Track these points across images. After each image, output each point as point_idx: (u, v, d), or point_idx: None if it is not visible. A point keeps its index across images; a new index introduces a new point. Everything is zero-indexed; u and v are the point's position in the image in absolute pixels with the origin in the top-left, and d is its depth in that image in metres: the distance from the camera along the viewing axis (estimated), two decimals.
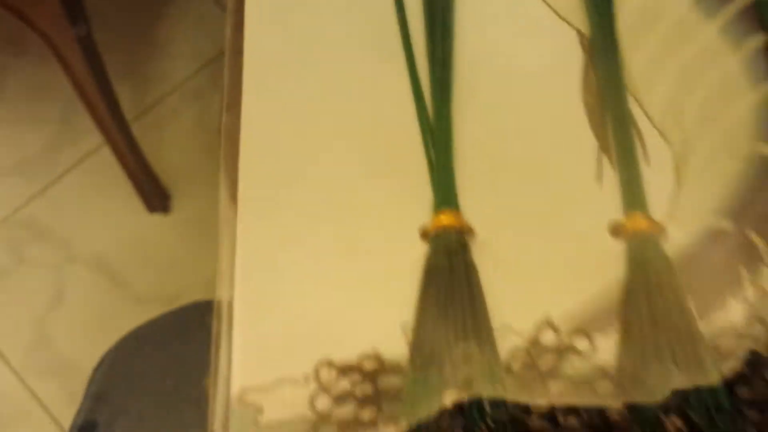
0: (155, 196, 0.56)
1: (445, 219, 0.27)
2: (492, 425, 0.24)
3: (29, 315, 0.45)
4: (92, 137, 0.44)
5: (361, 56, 0.30)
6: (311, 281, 0.27)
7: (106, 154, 0.46)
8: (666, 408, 0.23)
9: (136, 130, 0.49)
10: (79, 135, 0.48)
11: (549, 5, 0.30)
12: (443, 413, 0.24)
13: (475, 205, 0.27)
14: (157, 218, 0.48)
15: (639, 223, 0.26)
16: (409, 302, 0.26)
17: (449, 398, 0.24)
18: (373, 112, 0.29)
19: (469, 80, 0.29)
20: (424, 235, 0.27)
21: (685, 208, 0.27)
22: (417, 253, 0.27)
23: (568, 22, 0.30)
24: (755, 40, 0.29)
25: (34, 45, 0.51)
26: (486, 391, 0.24)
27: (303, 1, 0.31)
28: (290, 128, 0.29)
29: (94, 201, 0.45)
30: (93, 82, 0.50)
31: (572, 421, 0.24)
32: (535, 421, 0.24)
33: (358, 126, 0.29)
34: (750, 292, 0.26)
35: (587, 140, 0.28)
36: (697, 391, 0.24)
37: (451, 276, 0.26)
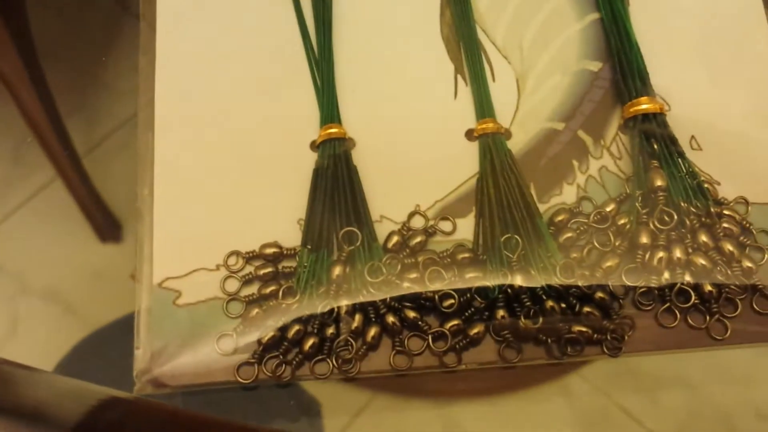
0: (107, 226, 0.58)
1: (330, 131, 0.32)
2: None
3: None
4: (44, 172, 0.45)
5: (256, 5, 0.35)
6: (221, 188, 0.31)
7: (58, 188, 0.46)
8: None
9: (87, 163, 0.49)
10: (31, 170, 0.49)
11: None
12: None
13: (355, 119, 0.32)
14: (109, 247, 0.48)
15: (488, 127, 0.32)
16: (303, 202, 0.31)
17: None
18: (269, 51, 0.34)
19: (348, 19, 0.34)
20: (313, 145, 0.32)
21: (526, 115, 0.33)
22: (309, 161, 0.32)
23: None
24: None
25: None
26: (365, 266, 0.29)
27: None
28: (203, 74, 0.34)
29: (47, 233, 0.45)
30: (45, 119, 0.52)
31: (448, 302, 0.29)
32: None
33: (258, 66, 0.34)
34: (579, 177, 0.32)
35: (446, 65, 0.33)
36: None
37: (335, 177, 0.31)
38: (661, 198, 0.30)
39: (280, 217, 0.31)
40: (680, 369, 0.31)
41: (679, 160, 0.31)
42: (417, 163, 0.32)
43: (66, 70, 0.44)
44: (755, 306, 0.29)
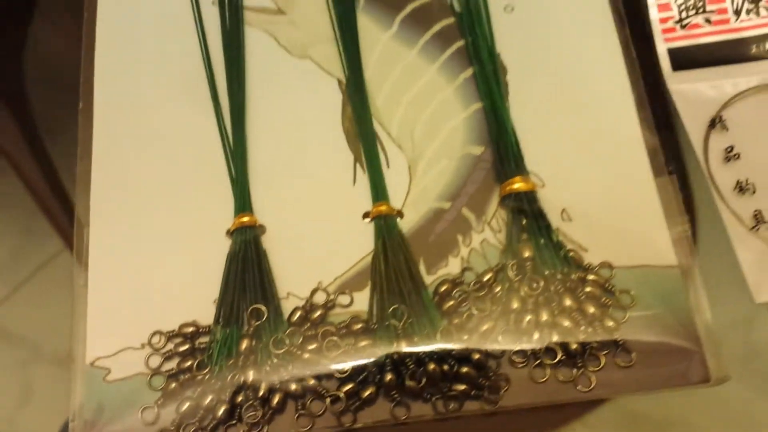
0: None
1: (242, 220, 0.36)
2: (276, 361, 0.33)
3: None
4: (54, 242, 0.47)
5: (179, 102, 0.39)
6: (147, 275, 0.36)
7: (67, 257, 0.48)
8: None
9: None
10: (42, 240, 0.47)
11: (317, 63, 0.40)
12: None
13: (265, 206, 0.37)
14: None
15: (382, 209, 0.36)
16: (219, 283, 0.35)
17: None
18: (191, 146, 0.38)
19: (261, 114, 0.39)
20: (228, 233, 0.36)
21: (416, 196, 0.37)
22: (224, 246, 0.36)
23: (329, 74, 0.40)
24: (464, 74, 0.39)
25: None
26: (270, 339, 0.33)
27: (138, 63, 0.41)
28: (134, 169, 0.38)
29: (58, 300, 0.46)
30: (49, 192, 0.56)
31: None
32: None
33: (180, 160, 0.38)
34: (463, 250, 0.36)
35: (346, 154, 0.38)
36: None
37: (245, 260, 0.35)
38: (529, 267, 0.34)
39: (198, 298, 0.35)
40: (683, 413, 0.34)
41: (546, 232, 0.35)
42: (320, 243, 0.36)
43: (67, 143, 0.44)
44: (617, 360, 0.33)
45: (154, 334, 0.34)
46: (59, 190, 0.46)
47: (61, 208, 0.52)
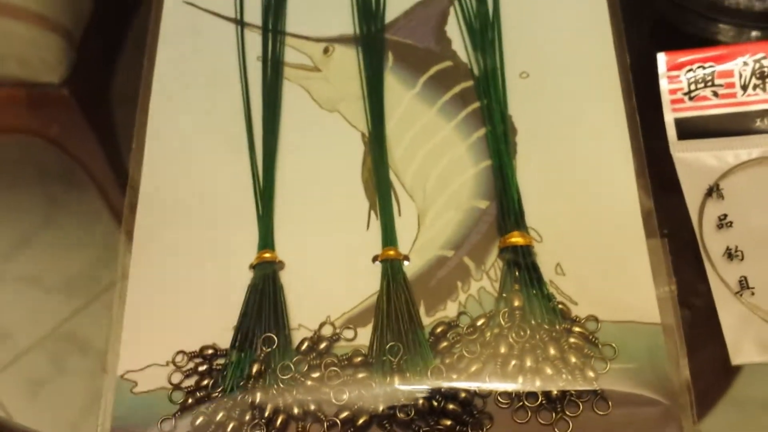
0: None
1: (264, 255, 0.40)
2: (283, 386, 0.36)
3: (65, 420, 0.50)
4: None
5: (221, 146, 0.44)
6: (175, 296, 0.40)
7: None
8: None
9: None
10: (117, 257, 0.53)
11: (344, 117, 0.44)
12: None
13: (287, 244, 0.41)
14: None
15: (390, 253, 0.39)
16: (238, 311, 0.39)
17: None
18: (228, 184, 0.43)
19: (289, 160, 0.43)
20: (251, 266, 0.40)
21: (423, 244, 0.40)
22: (246, 278, 0.40)
23: (355, 127, 0.44)
24: (477, 133, 0.43)
25: (79, 181, 0.57)
26: (279, 364, 0.37)
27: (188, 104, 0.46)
28: (179, 205, 0.42)
29: None
30: (130, 213, 0.53)
31: None
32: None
33: (214, 199, 0.42)
34: (462, 296, 0.39)
35: (362, 201, 0.42)
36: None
37: (263, 293, 0.39)
38: (518, 316, 0.37)
39: (220, 324, 0.39)
40: None
41: (538, 284, 0.38)
42: (332, 281, 0.40)
43: None
44: (595, 408, 0.36)
45: (178, 353, 0.38)
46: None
47: None
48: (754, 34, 0.48)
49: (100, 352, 0.43)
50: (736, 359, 0.37)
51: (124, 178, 0.50)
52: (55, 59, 0.60)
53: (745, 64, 0.44)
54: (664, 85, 0.45)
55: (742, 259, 0.39)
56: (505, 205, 0.40)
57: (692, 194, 0.42)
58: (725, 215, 0.41)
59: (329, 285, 0.40)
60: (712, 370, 0.39)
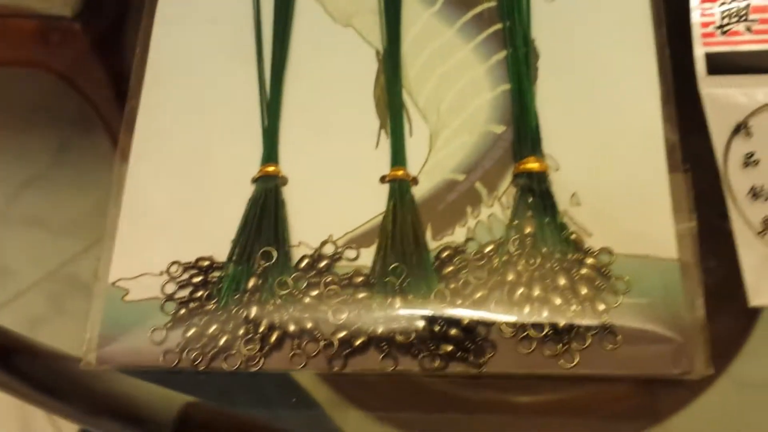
0: None
1: (267, 170, 0.38)
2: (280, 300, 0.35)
3: None
4: None
5: (227, 56, 0.42)
6: (174, 211, 0.38)
7: None
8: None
9: None
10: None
11: (358, 32, 0.42)
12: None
13: (291, 158, 0.39)
14: None
15: (398, 174, 0.38)
16: (237, 224, 0.38)
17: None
18: (231, 99, 0.41)
19: (299, 72, 0.41)
20: (253, 180, 0.38)
21: (433, 166, 0.38)
22: (248, 191, 0.38)
23: (369, 43, 0.42)
24: (497, 56, 0.41)
25: (89, 123, 0.57)
26: (277, 279, 0.35)
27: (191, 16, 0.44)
28: (178, 120, 0.41)
29: None
30: None
31: None
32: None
33: (220, 112, 0.41)
34: (471, 221, 0.37)
35: (373, 119, 0.40)
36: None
37: (264, 207, 0.37)
38: (529, 243, 0.35)
39: (218, 236, 0.37)
40: None
41: (551, 212, 0.36)
42: (336, 199, 0.38)
43: None
44: (603, 341, 0.34)
45: (172, 263, 0.37)
46: None
47: None
48: None
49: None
50: (755, 300, 0.35)
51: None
52: None
53: None
54: (695, 17, 0.42)
55: (767, 199, 0.37)
56: (522, 130, 0.38)
57: (719, 131, 0.40)
58: (752, 153, 0.38)
59: (333, 203, 0.38)
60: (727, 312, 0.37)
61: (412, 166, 0.38)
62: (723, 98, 0.41)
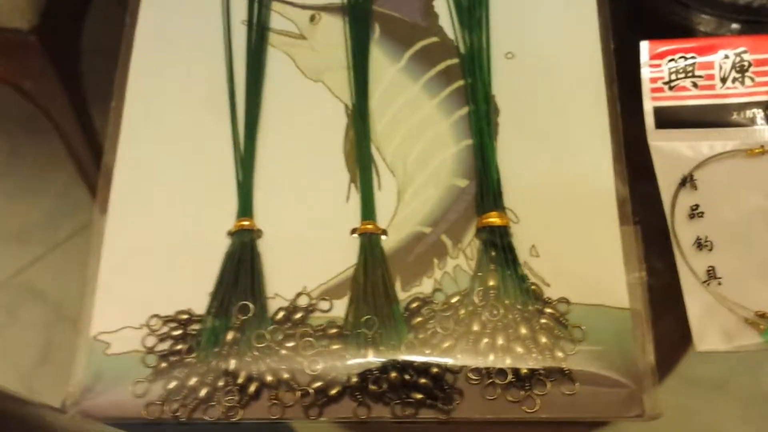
0: None
1: (242, 223, 0.40)
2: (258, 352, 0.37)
3: (17, 370, 0.47)
4: (89, 211, 0.45)
5: (202, 110, 0.44)
6: (153, 264, 0.40)
7: None
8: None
9: None
10: (77, 208, 0.49)
11: (328, 88, 0.44)
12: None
13: (265, 212, 0.41)
14: None
15: (368, 227, 0.40)
16: (215, 277, 0.39)
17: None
18: (208, 149, 0.43)
19: (272, 127, 0.43)
20: (229, 233, 0.40)
21: (402, 219, 0.41)
22: (224, 245, 0.40)
23: (338, 98, 0.44)
24: (460, 112, 0.43)
25: (41, 129, 0.55)
26: (254, 333, 0.37)
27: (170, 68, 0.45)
28: (156, 171, 0.42)
29: (87, 267, 0.44)
30: (92, 162, 0.54)
31: None
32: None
33: (196, 159, 0.42)
34: (437, 273, 0.39)
35: (343, 174, 0.42)
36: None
37: (240, 261, 0.39)
38: (493, 295, 0.37)
39: (196, 289, 0.39)
40: None
41: (513, 265, 0.38)
42: (310, 252, 0.40)
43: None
44: (561, 387, 0.36)
45: (152, 317, 0.38)
46: (100, 159, 0.46)
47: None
48: (734, 26, 0.49)
49: (56, 304, 0.43)
50: (700, 346, 0.38)
51: (89, 128, 0.49)
52: (25, 4, 0.59)
53: (726, 57, 0.45)
54: (645, 73, 0.45)
55: (711, 249, 0.40)
56: (485, 185, 0.41)
57: (667, 183, 0.42)
58: (697, 205, 0.41)
59: (306, 256, 0.40)
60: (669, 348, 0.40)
61: (382, 219, 0.41)
62: (670, 151, 0.44)
